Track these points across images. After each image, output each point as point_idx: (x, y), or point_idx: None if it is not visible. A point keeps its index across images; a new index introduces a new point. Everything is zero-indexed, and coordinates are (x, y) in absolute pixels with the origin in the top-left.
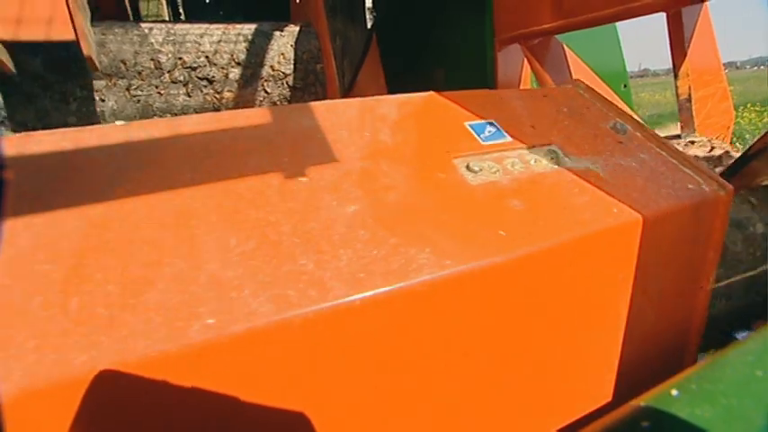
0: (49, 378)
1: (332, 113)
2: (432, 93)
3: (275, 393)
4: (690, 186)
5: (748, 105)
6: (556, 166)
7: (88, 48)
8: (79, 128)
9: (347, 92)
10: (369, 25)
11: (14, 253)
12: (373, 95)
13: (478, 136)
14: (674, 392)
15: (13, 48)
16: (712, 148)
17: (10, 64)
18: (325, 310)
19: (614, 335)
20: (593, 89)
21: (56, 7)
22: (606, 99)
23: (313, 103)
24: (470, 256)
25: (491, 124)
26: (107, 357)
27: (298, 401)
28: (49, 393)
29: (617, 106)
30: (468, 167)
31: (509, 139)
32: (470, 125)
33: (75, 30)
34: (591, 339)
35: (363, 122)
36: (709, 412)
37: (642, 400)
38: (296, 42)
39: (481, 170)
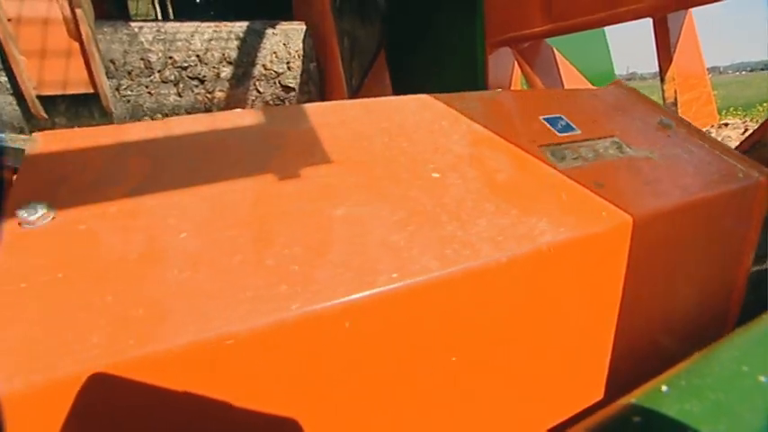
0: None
1: (427, 108)
2: (501, 90)
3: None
4: (734, 173)
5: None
6: (621, 155)
7: (106, 99)
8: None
9: (355, 93)
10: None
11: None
12: (378, 96)
13: (553, 128)
14: (664, 388)
15: None
16: (746, 130)
17: (42, 112)
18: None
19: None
20: (634, 90)
21: (79, 67)
22: (648, 99)
23: (403, 97)
24: (579, 225)
25: (561, 118)
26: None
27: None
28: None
29: (659, 105)
30: (553, 154)
31: (579, 131)
32: (545, 119)
33: (95, 85)
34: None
35: (455, 115)
36: (698, 407)
37: (633, 397)
38: (288, 41)
39: (565, 158)
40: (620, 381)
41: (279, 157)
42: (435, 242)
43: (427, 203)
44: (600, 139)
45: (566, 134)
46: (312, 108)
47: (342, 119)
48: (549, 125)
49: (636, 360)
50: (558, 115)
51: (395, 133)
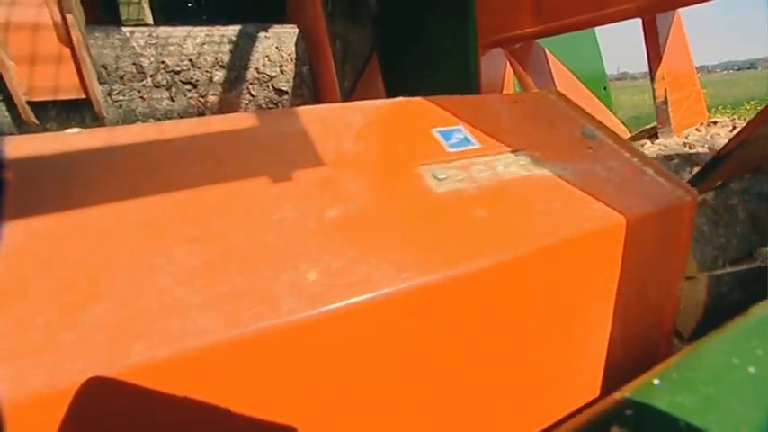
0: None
1: (296, 121)
2: (402, 99)
3: (221, 412)
4: (656, 192)
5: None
6: (524, 173)
7: (98, 105)
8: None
9: (348, 96)
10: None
11: None
12: (372, 100)
13: (445, 143)
14: (656, 382)
15: None
16: (734, 128)
17: (33, 118)
18: (277, 327)
19: (582, 340)
20: (565, 96)
21: (70, 73)
22: (578, 106)
23: (277, 111)
24: (431, 267)
25: (459, 131)
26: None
27: (246, 420)
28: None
29: (588, 113)
30: (433, 175)
31: (477, 145)
32: (438, 132)
33: (86, 91)
34: (564, 341)
35: (328, 130)
36: (689, 399)
37: (626, 391)
38: (281, 44)
39: (446, 178)
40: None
41: None
42: (229, 296)
43: (242, 243)
44: (502, 154)
45: (459, 149)
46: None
47: (149, 141)
48: (440, 139)
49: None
50: (455, 127)
51: (237, 154)
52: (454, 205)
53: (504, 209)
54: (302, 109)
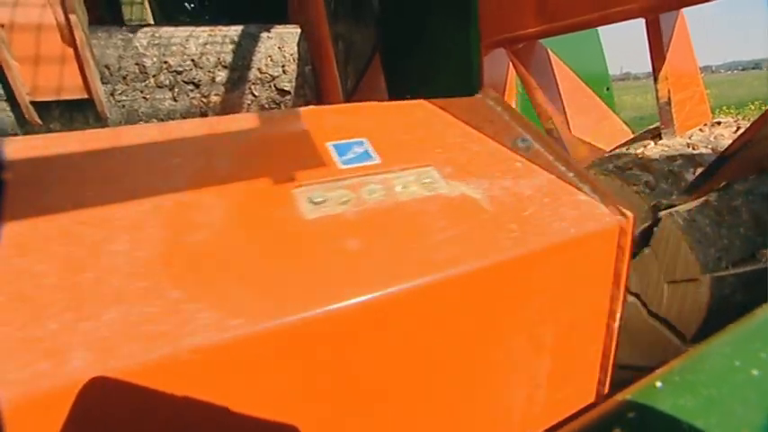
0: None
1: (166, 134)
2: (309, 108)
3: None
4: (586, 214)
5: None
6: (426, 193)
7: (101, 105)
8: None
9: (350, 96)
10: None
11: None
12: (375, 101)
13: (339, 158)
14: (658, 384)
15: None
16: (738, 128)
17: (36, 118)
18: (65, 387)
19: (500, 381)
20: (504, 101)
21: (73, 73)
22: (516, 112)
23: (140, 126)
24: (270, 312)
25: (360, 144)
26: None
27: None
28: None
29: (526, 121)
30: (309, 198)
31: (377, 160)
32: (334, 145)
33: (89, 91)
34: (477, 384)
35: (202, 145)
36: (691, 402)
37: (628, 393)
38: (284, 44)
39: (326, 201)
40: None
41: None
42: (16, 348)
43: (49, 284)
44: (408, 170)
45: (354, 165)
46: None
47: None
48: (333, 153)
49: None
50: (358, 139)
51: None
52: (321, 235)
53: (385, 238)
54: (188, 122)
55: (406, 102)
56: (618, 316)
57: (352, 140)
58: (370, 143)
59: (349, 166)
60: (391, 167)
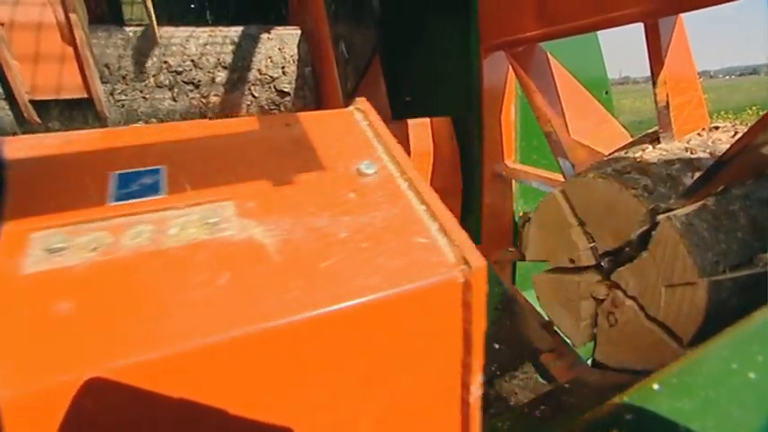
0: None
1: None
2: (118, 129)
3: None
4: (416, 265)
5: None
6: (204, 236)
7: (100, 104)
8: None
9: (350, 97)
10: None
11: None
12: (375, 103)
13: (115, 192)
14: (656, 386)
15: None
16: (736, 133)
17: (36, 117)
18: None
19: None
20: (374, 114)
21: (73, 72)
22: (383, 128)
23: None
24: None
25: (153, 173)
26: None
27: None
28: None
29: (388, 139)
30: (47, 246)
31: (163, 195)
32: (119, 174)
33: (89, 90)
34: None
35: None
36: (689, 404)
37: (626, 396)
38: (284, 45)
39: (65, 249)
40: None
41: None
42: None
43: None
44: (198, 206)
45: (128, 202)
46: None
47: None
48: (111, 186)
49: None
50: (151, 168)
51: None
52: (33, 297)
53: (101, 301)
54: None
55: (246, 119)
56: (474, 388)
57: (144, 169)
58: (169, 172)
59: (123, 202)
60: (177, 204)
